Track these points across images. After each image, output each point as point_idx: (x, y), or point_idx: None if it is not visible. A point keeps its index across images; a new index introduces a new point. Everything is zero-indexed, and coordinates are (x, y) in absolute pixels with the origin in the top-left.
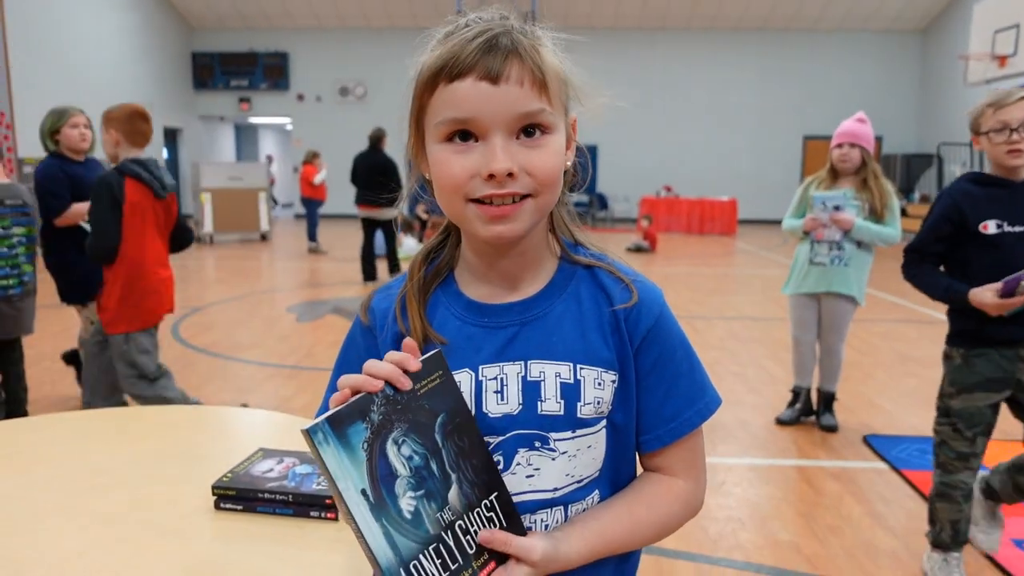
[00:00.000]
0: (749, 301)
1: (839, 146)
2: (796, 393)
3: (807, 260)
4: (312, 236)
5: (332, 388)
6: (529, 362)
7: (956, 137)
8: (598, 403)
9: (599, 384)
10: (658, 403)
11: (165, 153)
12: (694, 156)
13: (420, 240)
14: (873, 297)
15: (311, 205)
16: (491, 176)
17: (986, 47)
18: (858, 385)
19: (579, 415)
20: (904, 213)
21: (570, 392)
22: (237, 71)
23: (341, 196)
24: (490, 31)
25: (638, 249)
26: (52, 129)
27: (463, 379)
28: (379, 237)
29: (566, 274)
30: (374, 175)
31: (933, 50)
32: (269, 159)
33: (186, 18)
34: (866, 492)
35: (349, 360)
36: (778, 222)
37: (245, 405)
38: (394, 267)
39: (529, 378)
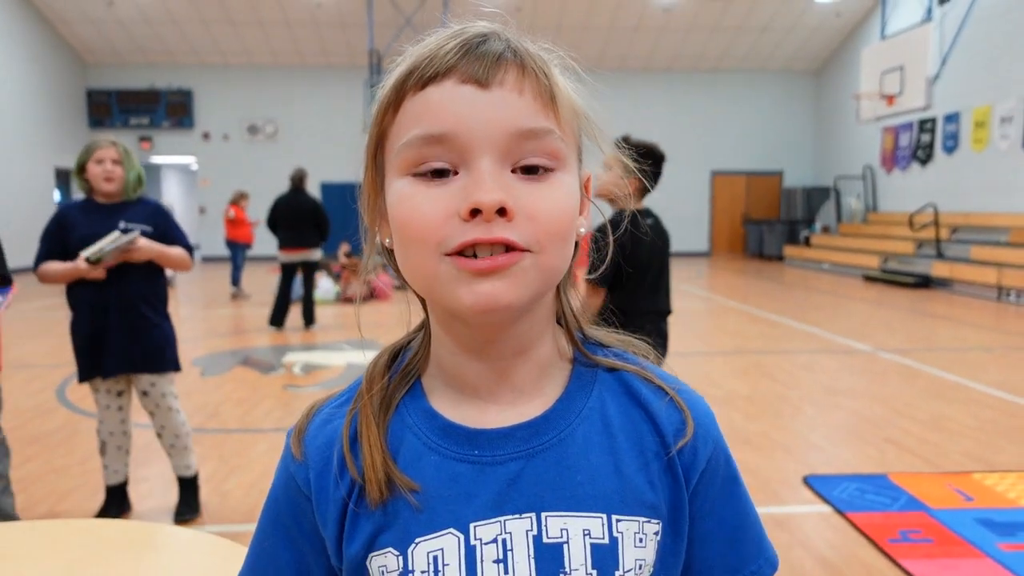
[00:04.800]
0: (672, 336)
1: None
2: None
3: None
4: (235, 281)
5: (250, 568)
6: (544, 515)
7: (851, 171)
8: (640, 568)
9: (641, 541)
10: (718, 554)
11: (57, 195)
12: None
13: (336, 281)
14: (790, 327)
15: (236, 248)
16: (474, 213)
17: (874, 87)
18: (790, 421)
19: None
20: (807, 243)
21: (605, 558)
22: (137, 108)
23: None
24: (478, 29)
25: None
26: (79, 166)
27: (447, 545)
28: (296, 281)
29: (584, 381)
30: (298, 218)
31: (826, 90)
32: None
33: (80, 53)
34: (814, 541)
35: (275, 534)
36: (690, 254)
37: None
38: (308, 313)
39: (546, 540)
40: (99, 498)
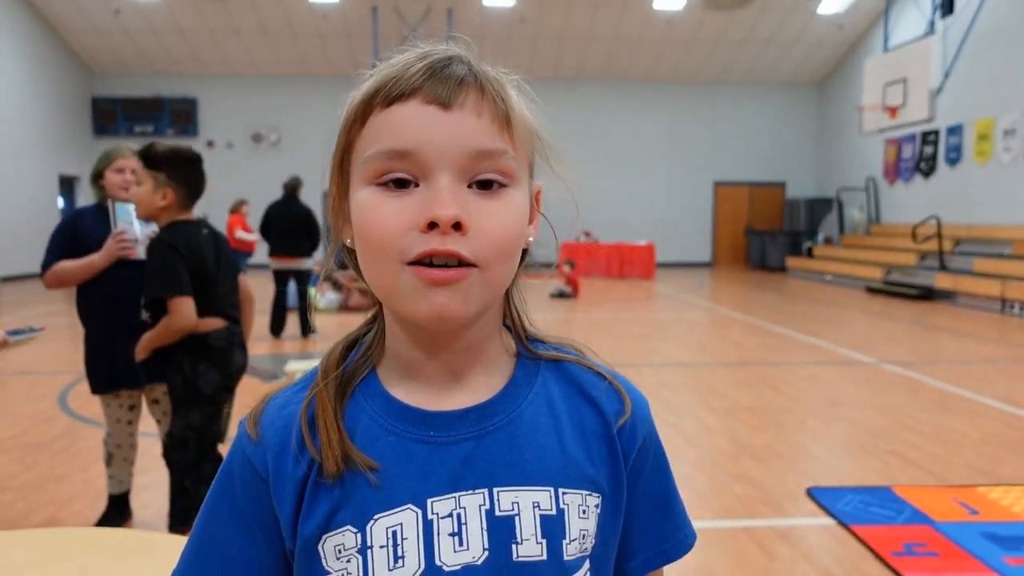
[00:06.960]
0: (675, 346)
1: None
2: None
3: None
4: None
5: (190, 560)
6: (496, 490)
7: (853, 182)
8: (583, 537)
9: (584, 512)
10: (652, 521)
11: (60, 202)
12: (610, 201)
13: (339, 291)
14: (793, 339)
15: (239, 256)
16: (431, 226)
17: (877, 99)
18: (793, 433)
19: (565, 557)
20: (810, 254)
21: (553, 527)
22: (142, 117)
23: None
24: (442, 53)
25: (561, 295)
26: (96, 173)
27: (406, 520)
28: (291, 289)
29: (529, 370)
30: (291, 226)
31: (829, 101)
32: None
33: (87, 63)
34: (818, 554)
35: (228, 520)
36: (693, 265)
37: None
38: (305, 322)
39: (498, 513)
40: (100, 506)
